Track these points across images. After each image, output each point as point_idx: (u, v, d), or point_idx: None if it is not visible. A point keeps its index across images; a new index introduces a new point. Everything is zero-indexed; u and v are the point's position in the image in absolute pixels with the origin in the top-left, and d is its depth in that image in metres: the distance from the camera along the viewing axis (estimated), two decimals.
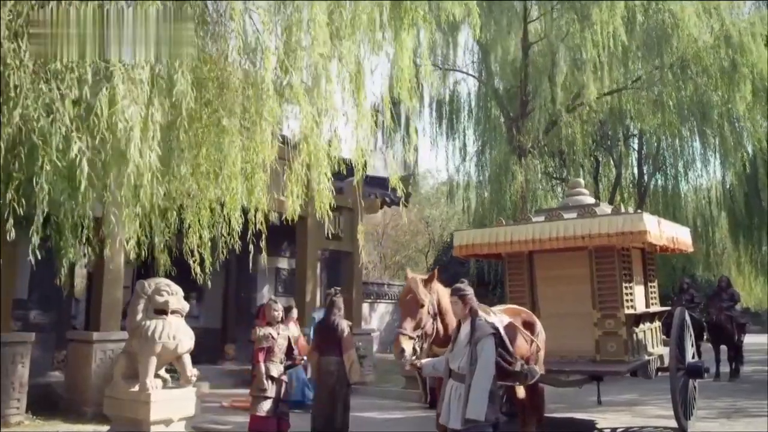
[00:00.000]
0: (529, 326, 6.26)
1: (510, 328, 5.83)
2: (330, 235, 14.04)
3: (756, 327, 35.86)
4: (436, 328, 5.28)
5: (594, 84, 13.24)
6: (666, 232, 7.64)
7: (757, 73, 13.67)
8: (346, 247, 14.24)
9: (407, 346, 4.95)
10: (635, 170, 20.20)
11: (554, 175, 19.89)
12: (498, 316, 5.76)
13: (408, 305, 5.13)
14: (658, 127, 15.66)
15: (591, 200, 8.42)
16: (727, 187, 18.48)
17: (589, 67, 13.28)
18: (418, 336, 5.06)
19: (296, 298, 13.79)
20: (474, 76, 16.36)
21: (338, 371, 7.12)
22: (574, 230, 7.27)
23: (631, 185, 20.15)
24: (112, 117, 4.55)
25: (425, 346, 5.23)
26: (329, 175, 6.42)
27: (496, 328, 5.46)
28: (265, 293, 15.50)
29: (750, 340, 23.62)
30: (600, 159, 19.92)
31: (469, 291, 4.92)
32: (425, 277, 5.37)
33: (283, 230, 14.29)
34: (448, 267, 19.39)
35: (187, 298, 14.65)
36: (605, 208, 7.99)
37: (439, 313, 5.30)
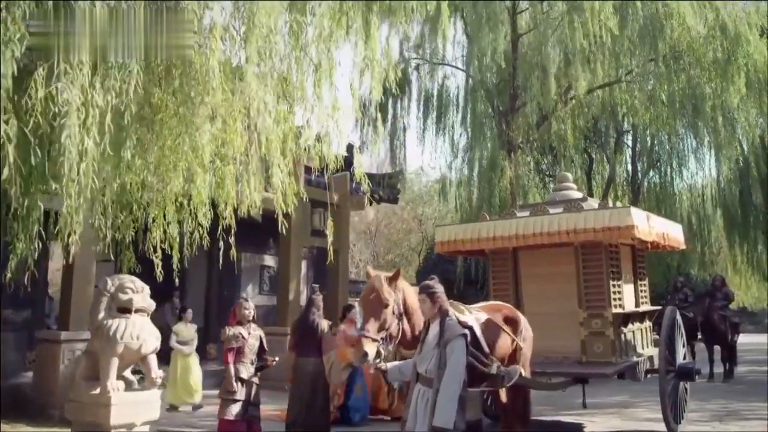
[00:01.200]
0: (511, 323, 5.90)
1: (488, 326, 5.50)
2: (315, 232, 13.97)
3: (751, 327, 35.70)
4: (402, 328, 4.93)
5: (585, 77, 12.87)
6: (656, 228, 7.31)
7: (752, 64, 13.30)
8: (332, 245, 13.87)
9: (370, 349, 4.61)
10: (629, 167, 19.87)
11: (547, 173, 19.56)
12: (473, 314, 5.43)
13: (371, 305, 4.79)
14: (650, 121, 15.30)
15: (578, 195, 8.09)
16: (722, 185, 18.15)
17: (579, 58, 12.88)
18: (382, 338, 4.72)
19: (279, 297, 13.49)
20: (462, 70, 16.02)
21: (316, 372, 6.85)
22: (558, 225, 6.95)
23: (624, 183, 19.81)
24: (47, 99, 4.20)
25: (391, 348, 4.90)
26: (282, 166, 6.06)
27: (470, 327, 5.15)
28: (250, 292, 15.18)
29: (746, 339, 23.44)
30: (594, 156, 19.59)
31: (439, 288, 4.59)
32: (389, 274, 5.01)
33: (268, 227, 13.94)
34: (438, 265, 19.09)
35: (169, 296, 14.43)
36: (593, 202, 7.67)
37: (405, 313, 4.96)
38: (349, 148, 16.94)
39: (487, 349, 5.27)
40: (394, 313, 4.83)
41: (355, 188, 14.94)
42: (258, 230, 14.79)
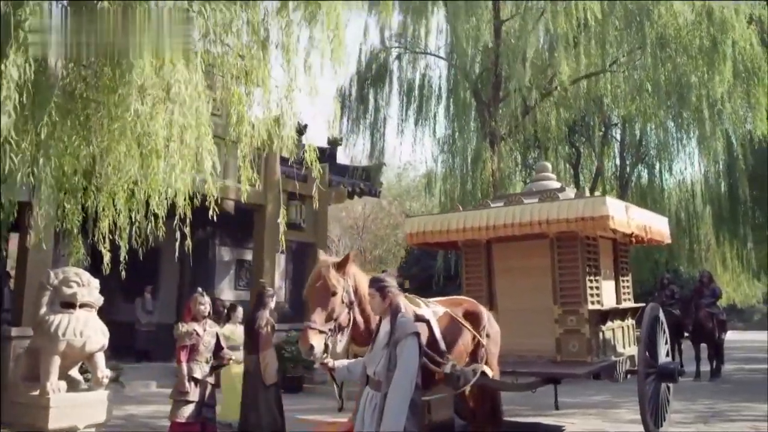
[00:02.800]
0: (472, 317, 5.45)
1: (446, 321, 5.09)
2: (292, 225, 13.54)
3: (740, 324, 35.51)
4: (354, 319, 4.43)
5: (569, 65, 12.41)
6: (635, 220, 6.89)
7: (740, 51, 12.86)
8: (309, 238, 13.51)
9: (317, 341, 4.11)
10: (617, 161, 19.49)
11: (533, 167, 19.12)
12: (431, 308, 5.02)
13: (317, 293, 4.30)
14: (637, 112, 14.84)
15: (556, 185, 7.67)
16: (710, 181, 17.81)
17: (562, 45, 12.41)
18: (330, 329, 4.22)
19: (252, 292, 13.06)
20: (444, 59, 15.48)
21: (256, 371, 6.58)
22: (531, 216, 6.52)
23: (613, 177, 19.41)
24: None
25: (340, 339, 4.45)
26: (213, 150, 5.67)
27: (427, 321, 4.75)
28: (225, 287, 14.75)
29: (736, 337, 23.21)
30: (581, 150, 19.20)
31: (390, 282, 4.15)
32: (338, 259, 4.51)
33: (245, 220, 13.55)
34: (420, 260, 18.74)
35: (141, 291, 13.98)
36: (570, 193, 7.26)
37: (358, 303, 4.46)
38: (331, 140, 16.61)
39: (443, 347, 4.86)
40: (343, 301, 4.34)
41: (332, 181, 14.54)
42: (234, 223, 14.42)
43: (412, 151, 54.02)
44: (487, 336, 5.50)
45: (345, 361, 4.43)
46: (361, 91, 15.26)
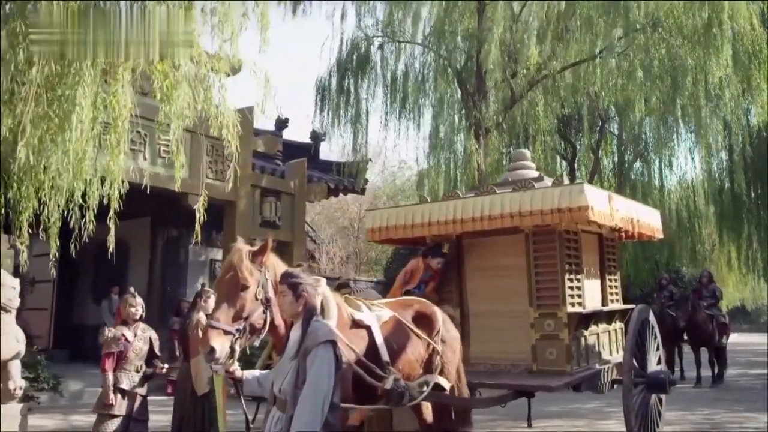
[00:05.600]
0: (424, 321, 4.72)
1: (391, 326, 4.36)
2: (266, 223, 12.86)
3: (746, 326, 34.66)
4: (272, 321, 3.68)
5: (556, 51, 11.59)
6: (620, 211, 6.13)
7: (739, 33, 11.94)
8: (286, 237, 12.78)
9: (219, 343, 3.37)
10: (615, 158, 18.69)
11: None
12: (374, 312, 4.30)
13: (225, 287, 3.58)
14: (627, 102, 13.95)
15: (534, 174, 6.91)
16: (712, 177, 16.99)
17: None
18: (237, 330, 3.48)
19: None
20: (426, 46, 14.60)
21: (186, 379, 5.92)
22: (502, 207, 5.78)
23: (611, 174, 18.60)
24: None
25: (257, 344, 3.72)
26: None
27: (368, 326, 4.04)
28: (198, 288, 14.02)
29: (741, 339, 22.37)
30: (578, 145, 18.42)
31: (306, 280, 3.41)
32: (255, 248, 3.74)
33: (218, 217, 12.83)
34: (409, 260, 17.93)
35: (108, 292, 13.23)
36: (548, 182, 6.50)
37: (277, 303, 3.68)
38: (314, 135, 15.91)
39: (386, 357, 4.13)
40: (257, 298, 3.60)
41: (312, 176, 13.84)
42: (208, 221, 13.66)
43: (395, 145, 50.41)
44: (443, 342, 4.75)
45: (256, 372, 3.68)
46: (341, 81, 14.48)
